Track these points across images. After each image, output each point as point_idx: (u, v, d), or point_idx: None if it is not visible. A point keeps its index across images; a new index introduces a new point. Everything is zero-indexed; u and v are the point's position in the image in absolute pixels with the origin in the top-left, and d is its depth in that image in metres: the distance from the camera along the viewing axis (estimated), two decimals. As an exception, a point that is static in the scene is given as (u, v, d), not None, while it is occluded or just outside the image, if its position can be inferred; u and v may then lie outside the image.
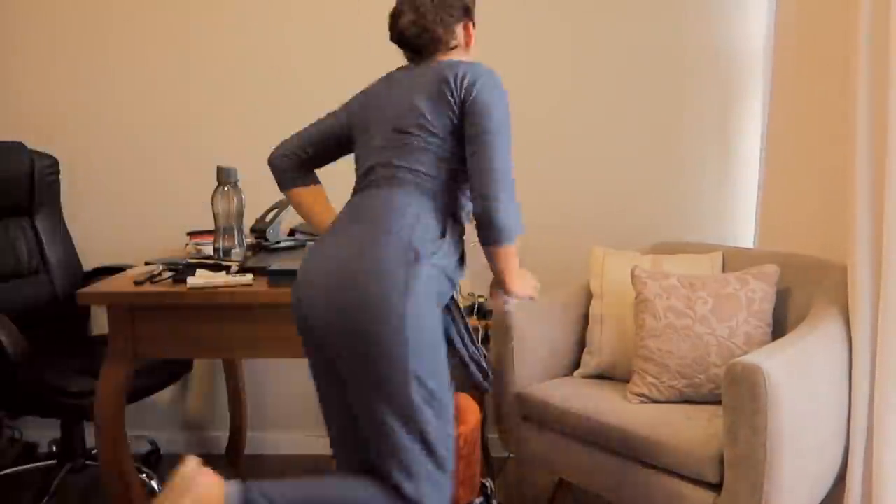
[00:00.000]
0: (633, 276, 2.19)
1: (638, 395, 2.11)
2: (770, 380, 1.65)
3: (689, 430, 1.89)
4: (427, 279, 1.52)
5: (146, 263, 2.12)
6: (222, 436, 2.99)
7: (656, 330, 2.10)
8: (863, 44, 1.89)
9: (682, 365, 2.07)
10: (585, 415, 2.05)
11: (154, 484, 2.52)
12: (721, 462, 1.76)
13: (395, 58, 2.79)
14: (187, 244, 2.49)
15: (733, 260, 2.36)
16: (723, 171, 2.80)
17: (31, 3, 2.81)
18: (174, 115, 2.86)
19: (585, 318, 2.44)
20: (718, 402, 2.08)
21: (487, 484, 2.31)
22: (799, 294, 2.17)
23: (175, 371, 2.52)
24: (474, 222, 1.62)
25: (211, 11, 2.80)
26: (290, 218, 2.84)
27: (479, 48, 2.75)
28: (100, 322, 2.90)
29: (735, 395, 1.69)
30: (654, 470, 1.91)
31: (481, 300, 2.45)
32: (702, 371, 2.06)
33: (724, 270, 2.38)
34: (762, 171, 2.59)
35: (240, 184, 2.83)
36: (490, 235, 1.57)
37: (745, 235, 2.82)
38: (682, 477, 1.85)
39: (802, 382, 1.75)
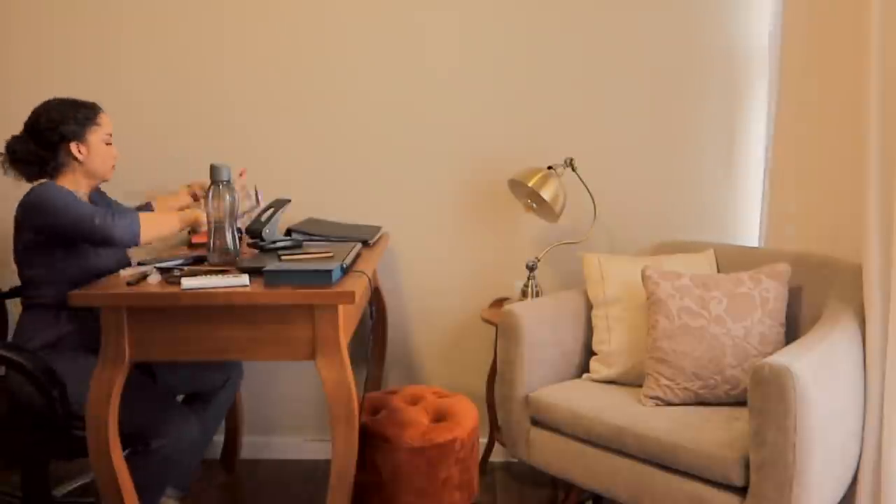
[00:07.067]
0: (644, 276, 2.13)
1: (652, 397, 2.05)
2: (798, 381, 1.62)
3: (709, 432, 1.85)
4: None
5: (139, 264, 2.07)
6: (217, 440, 2.93)
7: (670, 331, 2.04)
8: (874, 40, 1.88)
9: (698, 366, 2.01)
10: (600, 418, 2.00)
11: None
12: (746, 464, 1.72)
13: (388, 65, 2.74)
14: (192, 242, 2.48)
15: (727, 258, 2.36)
16: (727, 171, 2.75)
17: (31, 2, 2.76)
18: (172, 112, 2.81)
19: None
20: (734, 404, 2.04)
21: None
22: (808, 293, 2.14)
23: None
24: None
25: (210, 12, 2.76)
26: (287, 217, 2.78)
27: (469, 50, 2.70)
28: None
29: (762, 396, 1.66)
30: (674, 473, 1.86)
31: None
32: (717, 372, 2.00)
33: (718, 269, 2.38)
34: (768, 170, 2.56)
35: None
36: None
37: (749, 235, 2.77)
38: (704, 480, 1.81)
39: (827, 383, 1.72)
